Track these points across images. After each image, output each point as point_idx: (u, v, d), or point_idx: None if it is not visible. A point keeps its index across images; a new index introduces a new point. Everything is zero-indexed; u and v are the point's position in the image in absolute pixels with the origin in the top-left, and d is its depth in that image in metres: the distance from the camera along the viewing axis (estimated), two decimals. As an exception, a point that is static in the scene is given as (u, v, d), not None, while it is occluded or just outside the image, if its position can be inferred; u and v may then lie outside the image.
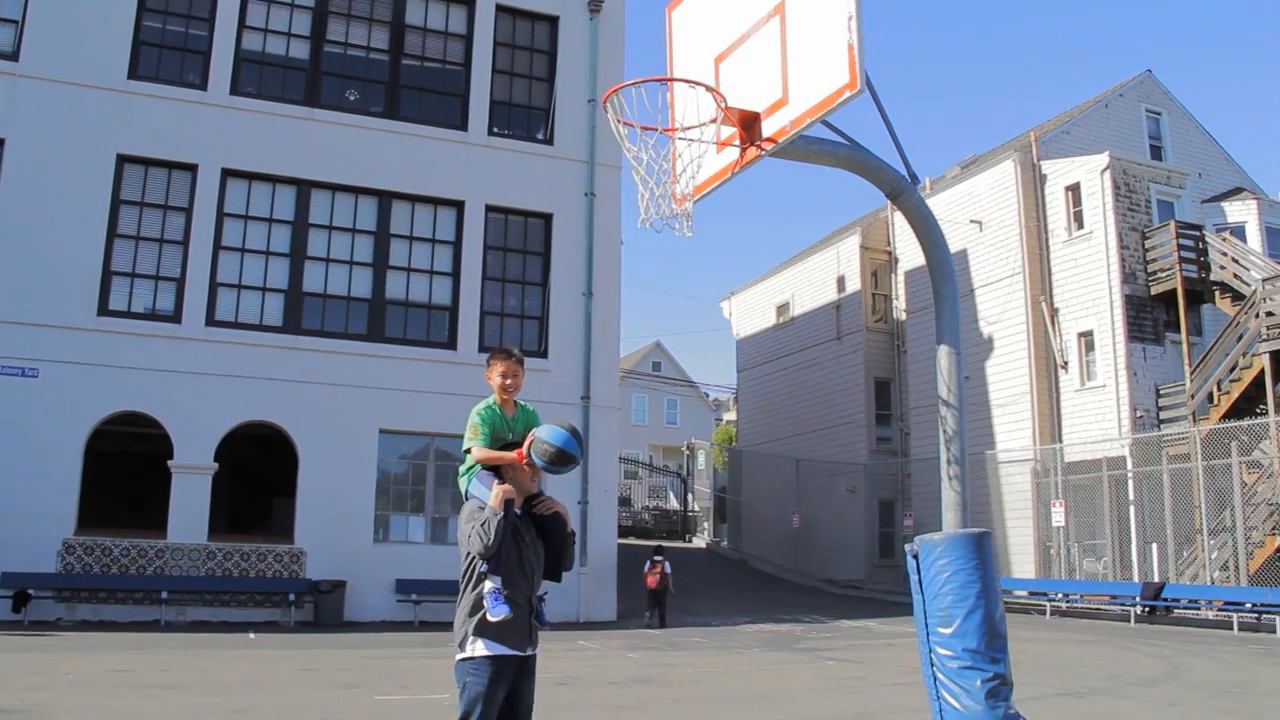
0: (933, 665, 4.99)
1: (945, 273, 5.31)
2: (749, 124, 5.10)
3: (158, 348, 18.55)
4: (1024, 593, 23.75)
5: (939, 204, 28.30)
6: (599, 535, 20.95)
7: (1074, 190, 25.94)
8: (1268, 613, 18.68)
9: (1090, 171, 25.42)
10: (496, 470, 4.84)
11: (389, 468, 20.10)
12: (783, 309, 36.98)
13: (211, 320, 19.12)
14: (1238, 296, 23.75)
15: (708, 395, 70.15)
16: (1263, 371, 21.81)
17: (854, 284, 32.57)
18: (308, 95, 20.51)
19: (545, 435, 4.66)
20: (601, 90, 22.29)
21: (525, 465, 4.74)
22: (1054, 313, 25.95)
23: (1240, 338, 22.57)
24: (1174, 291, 24.07)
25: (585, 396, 21.25)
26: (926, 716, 9.59)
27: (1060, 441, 25.04)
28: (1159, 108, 29.05)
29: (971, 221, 27.99)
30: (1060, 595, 23.09)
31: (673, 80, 5.19)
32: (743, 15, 5.27)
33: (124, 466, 20.82)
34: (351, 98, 21.09)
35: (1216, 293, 24.47)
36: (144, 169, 19.33)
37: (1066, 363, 25.61)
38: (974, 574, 4.97)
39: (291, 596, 18.27)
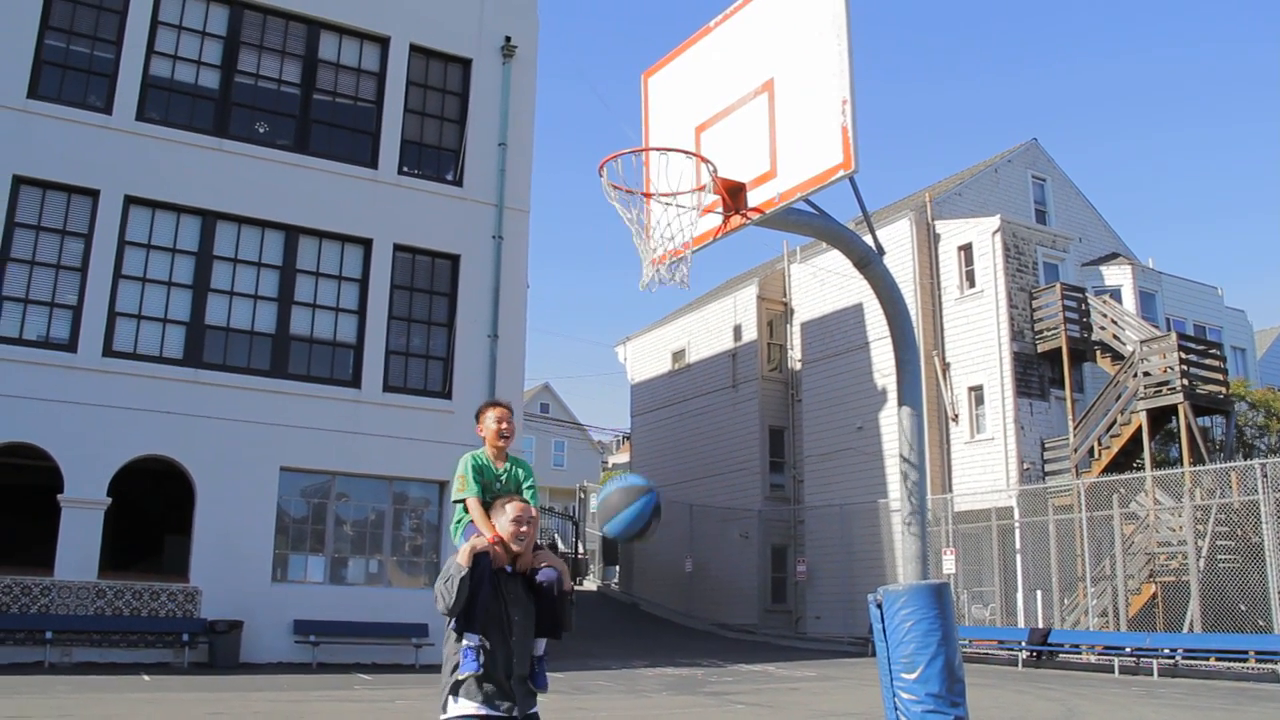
0: (896, 710, 5.22)
1: (907, 340, 5.61)
2: (734, 193, 5.35)
3: (50, 376, 17.91)
4: (913, 638, 24.27)
5: (839, 258, 29.10)
6: (500, 577, 20.82)
7: (966, 250, 27.01)
8: (1145, 656, 19.57)
9: (982, 233, 26.51)
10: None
11: (289, 506, 19.75)
12: (678, 355, 37.44)
13: (109, 350, 18.56)
14: (1117, 356, 25.00)
15: (594, 438, 70.27)
16: (1140, 428, 23.00)
17: (750, 333, 33.20)
18: (216, 125, 20.20)
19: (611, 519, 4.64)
20: (513, 133, 22.58)
21: (511, 527, 4.54)
22: (946, 367, 26.89)
23: (1119, 396, 23.76)
24: (1059, 350, 25.23)
25: (489, 438, 21.19)
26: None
27: (951, 491, 25.89)
28: (1044, 174, 30.50)
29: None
30: (948, 641, 23.75)
31: (665, 150, 5.41)
32: (727, 88, 5.54)
33: (3, 500, 20.03)
34: (261, 130, 20.84)
35: (1097, 352, 25.71)
36: (42, 192, 18.70)
37: (957, 416, 26.52)
38: (935, 623, 5.23)
39: (185, 637, 17.75)
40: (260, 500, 19.18)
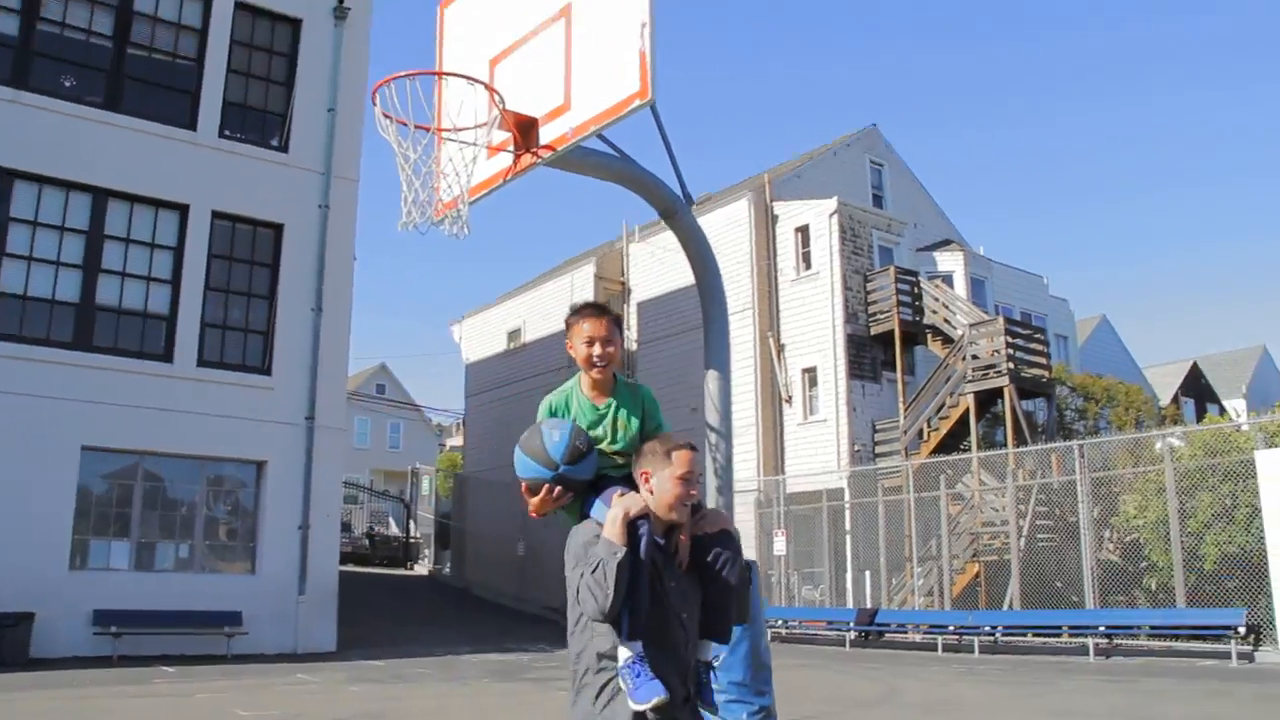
0: (696, 698, 4.84)
1: (715, 295, 5.27)
2: (525, 129, 4.87)
3: None
4: (745, 619, 24.27)
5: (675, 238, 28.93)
6: (320, 561, 19.96)
7: (804, 232, 27.14)
8: (967, 634, 19.94)
9: (820, 215, 26.67)
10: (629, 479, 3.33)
11: (92, 488, 18.46)
12: (514, 335, 36.82)
13: (-115, 319, 17.04)
14: (948, 340, 25.49)
15: (431, 420, 69.21)
16: (967, 410, 23.49)
17: (588, 313, 32.74)
18: (15, 75, 18.66)
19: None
20: (343, 99, 21.55)
21: (677, 489, 3.21)
22: (780, 348, 26.99)
23: (949, 379, 24.23)
24: (891, 333, 25.57)
25: (310, 417, 20.27)
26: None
27: (783, 473, 26.01)
28: (882, 160, 30.92)
29: (706, 257, 28.74)
30: (780, 621, 23.87)
31: (443, 74, 4.89)
32: (524, 16, 5.03)
33: None
34: (67, 84, 19.37)
35: (929, 335, 26.18)
36: None
37: (791, 397, 26.65)
38: (739, 604, 4.87)
39: (-33, 631, 16.38)
40: (58, 482, 17.83)
